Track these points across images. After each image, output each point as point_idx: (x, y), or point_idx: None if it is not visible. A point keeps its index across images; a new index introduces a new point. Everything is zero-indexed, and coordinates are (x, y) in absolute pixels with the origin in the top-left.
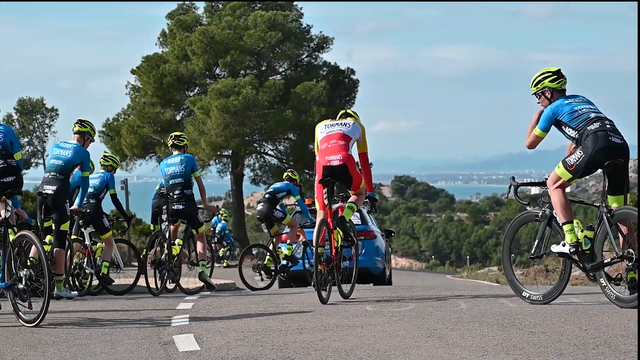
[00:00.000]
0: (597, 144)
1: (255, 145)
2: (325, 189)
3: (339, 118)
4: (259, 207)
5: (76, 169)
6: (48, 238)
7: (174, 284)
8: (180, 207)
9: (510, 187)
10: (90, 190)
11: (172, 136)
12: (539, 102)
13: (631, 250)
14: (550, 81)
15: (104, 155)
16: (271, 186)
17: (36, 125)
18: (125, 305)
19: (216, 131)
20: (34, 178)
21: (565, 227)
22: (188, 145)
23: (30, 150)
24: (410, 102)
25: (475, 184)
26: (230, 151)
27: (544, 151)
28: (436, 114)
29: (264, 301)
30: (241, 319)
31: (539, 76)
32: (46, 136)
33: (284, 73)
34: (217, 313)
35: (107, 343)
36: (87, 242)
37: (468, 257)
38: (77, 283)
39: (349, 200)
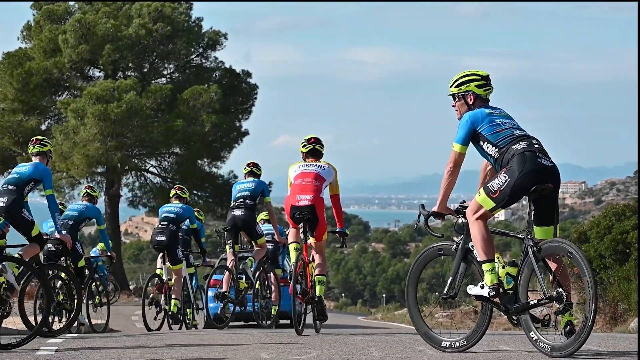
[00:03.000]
0: (525, 166)
1: (135, 160)
2: (300, 224)
3: (309, 142)
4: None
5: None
6: None
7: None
8: (239, 213)
9: (419, 216)
10: (170, 216)
11: (250, 163)
12: (454, 106)
13: (561, 290)
14: (476, 86)
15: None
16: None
17: None
18: None
19: (93, 143)
20: None
21: (485, 267)
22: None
23: None
24: (317, 113)
25: (393, 209)
26: (105, 167)
27: (473, 171)
28: (348, 127)
29: (141, 345)
30: None
31: (464, 77)
32: None
33: (169, 76)
34: (85, 359)
35: None
36: (164, 277)
37: (384, 295)
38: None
39: (316, 274)
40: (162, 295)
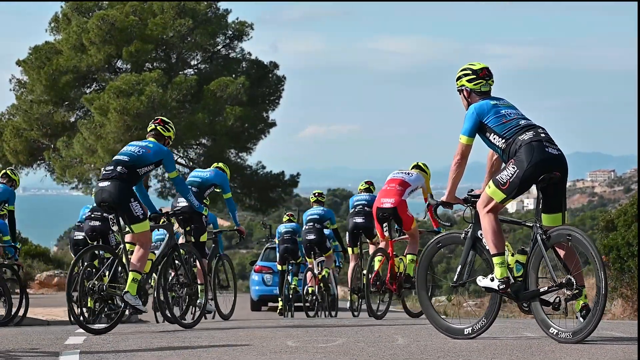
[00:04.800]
0: (533, 156)
1: None
2: (385, 224)
3: (411, 168)
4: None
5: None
6: None
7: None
8: (360, 220)
9: (428, 205)
10: (315, 217)
11: (367, 181)
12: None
13: (571, 277)
14: (468, 80)
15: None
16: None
17: None
18: (6, 339)
19: (115, 136)
20: None
21: (495, 260)
22: None
23: None
24: (345, 103)
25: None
26: None
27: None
28: (376, 117)
29: (169, 335)
30: (140, 356)
31: (459, 71)
32: None
33: (196, 67)
34: (113, 348)
35: None
36: (315, 270)
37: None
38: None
39: (408, 252)
40: (316, 286)
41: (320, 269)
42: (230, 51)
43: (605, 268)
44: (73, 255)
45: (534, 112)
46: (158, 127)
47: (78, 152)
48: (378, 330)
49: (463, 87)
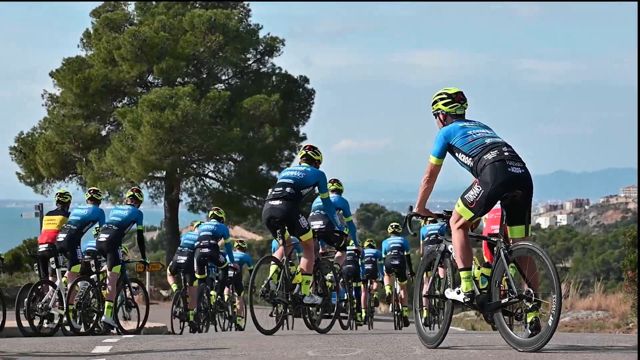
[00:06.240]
0: (496, 177)
1: (193, 166)
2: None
3: None
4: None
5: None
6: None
7: None
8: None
9: (406, 218)
10: (397, 245)
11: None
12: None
13: (530, 290)
14: (443, 104)
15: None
16: None
17: None
18: (34, 348)
19: (148, 148)
20: None
21: (462, 274)
22: None
23: None
24: (378, 117)
25: None
26: (165, 173)
27: (540, 176)
28: (409, 131)
29: (193, 345)
30: None
31: (435, 96)
32: None
33: (227, 82)
34: (139, 355)
35: None
36: (399, 292)
37: None
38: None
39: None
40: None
41: (404, 291)
42: (261, 66)
43: (560, 280)
44: (169, 273)
45: (567, 128)
46: (309, 152)
47: (110, 164)
48: (398, 341)
49: (439, 111)
